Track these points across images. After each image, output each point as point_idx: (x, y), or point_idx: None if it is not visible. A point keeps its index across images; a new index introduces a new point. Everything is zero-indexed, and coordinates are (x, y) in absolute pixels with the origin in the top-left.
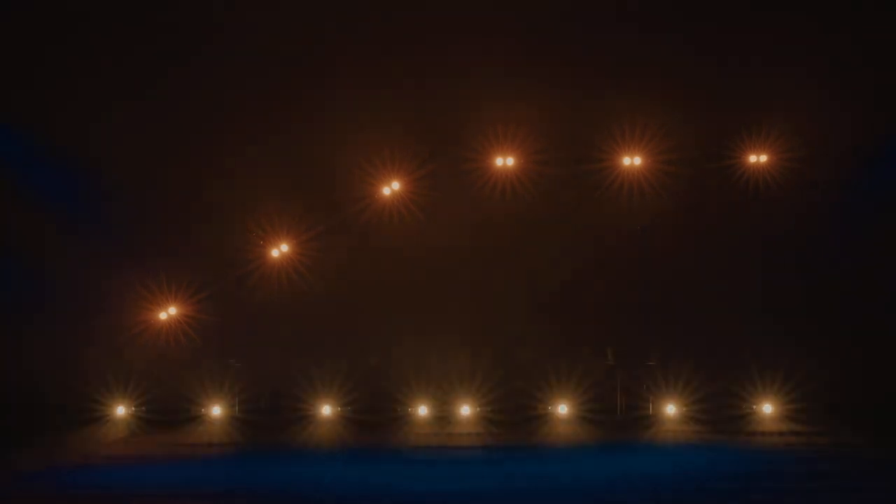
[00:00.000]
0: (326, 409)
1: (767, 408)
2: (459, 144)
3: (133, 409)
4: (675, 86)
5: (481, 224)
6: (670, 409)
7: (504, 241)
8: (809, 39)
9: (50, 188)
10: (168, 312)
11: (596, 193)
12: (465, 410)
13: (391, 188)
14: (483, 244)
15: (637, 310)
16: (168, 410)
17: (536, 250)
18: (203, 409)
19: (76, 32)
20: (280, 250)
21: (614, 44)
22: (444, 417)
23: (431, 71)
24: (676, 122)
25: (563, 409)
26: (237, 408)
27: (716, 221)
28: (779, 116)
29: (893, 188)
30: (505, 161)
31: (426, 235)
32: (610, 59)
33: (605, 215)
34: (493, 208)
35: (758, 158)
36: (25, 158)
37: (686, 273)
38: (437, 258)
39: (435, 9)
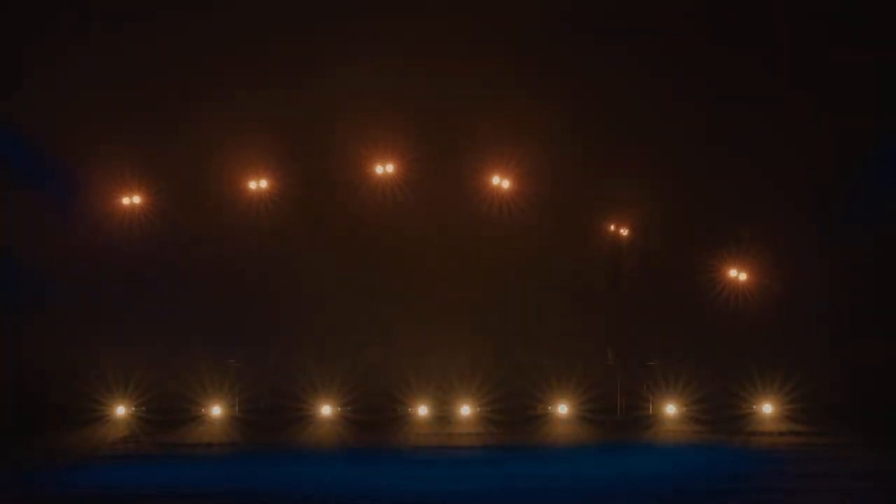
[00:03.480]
0: (326, 409)
1: (767, 408)
2: (463, 155)
3: (133, 409)
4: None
5: (479, 226)
6: (670, 409)
7: (504, 242)
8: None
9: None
10: (132, 200)
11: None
12: (465, 410)
13: (385, 169)
14: (483, 245)
15: (638, 311)
16: (168, 410)
17: (536, 253)
18: (203, 409)
19: None
20: (259, 185)
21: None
22: (444, 417)
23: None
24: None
25: (563, 409)
26: (237, 408)
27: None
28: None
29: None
30: (501, 183)
31: (427, 233)
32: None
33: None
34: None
35: (738, 274)
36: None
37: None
38: (438, 258)
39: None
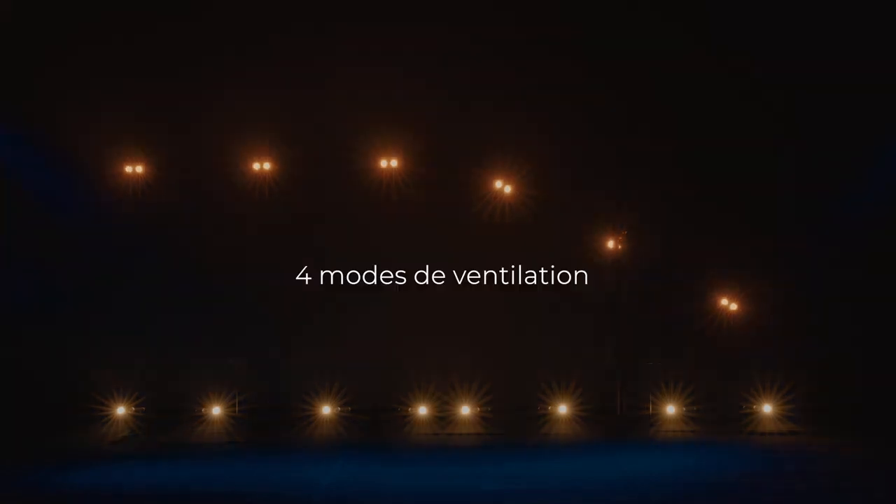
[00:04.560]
0: (326, 409)
1: (767, 408)
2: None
3: (133, 408)
4: None
5: (477, 225)
6: (670, 409)
7: (505, 242)
8: None
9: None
10: (135, 169)
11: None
12: (465, 410)
13: (388, 164)
14: (485, 244)
15: (636, 310)
16: (168, 410)
17: (537, 253)
18: (203, 409)
19: None
20: (262, 167)
21: None
22: (444, 417)
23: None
24: None
25: (563, 409)
26: (237, 408)
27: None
28: None
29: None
30: (503, 188)
31: (428, 231)
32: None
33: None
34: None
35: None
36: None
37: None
38: (440, 256)
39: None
